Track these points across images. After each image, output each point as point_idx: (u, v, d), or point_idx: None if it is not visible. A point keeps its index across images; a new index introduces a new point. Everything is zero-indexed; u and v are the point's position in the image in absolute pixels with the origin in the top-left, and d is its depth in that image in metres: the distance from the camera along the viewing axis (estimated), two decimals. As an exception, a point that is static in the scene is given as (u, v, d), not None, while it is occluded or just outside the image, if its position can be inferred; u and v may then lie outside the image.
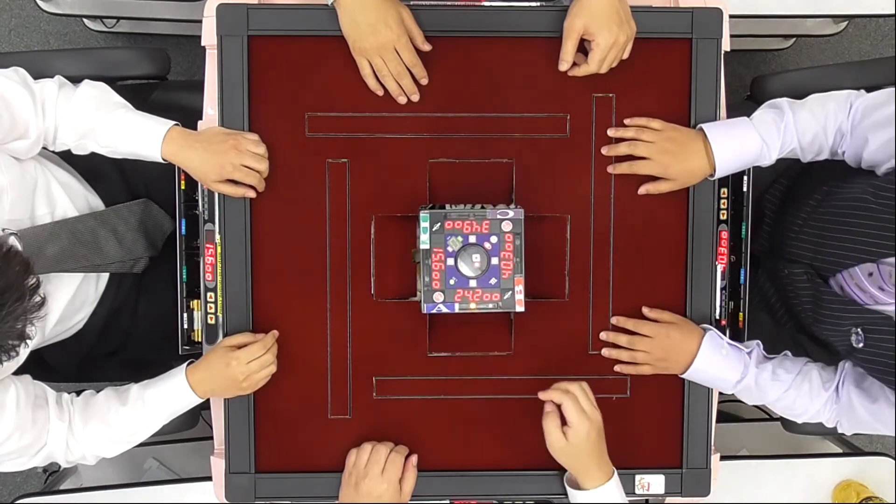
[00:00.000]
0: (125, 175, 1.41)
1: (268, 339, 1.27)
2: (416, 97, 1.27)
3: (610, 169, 1.29)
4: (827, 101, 1.24)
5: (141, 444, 1.33)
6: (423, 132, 1.30)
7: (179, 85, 1.74)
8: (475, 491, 1.34)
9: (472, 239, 1.27)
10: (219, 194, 1.28)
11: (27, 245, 1.15)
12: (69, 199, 1.27)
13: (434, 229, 1.26)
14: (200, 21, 1.30)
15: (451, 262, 1.27)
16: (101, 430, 1.25)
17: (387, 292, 1.32)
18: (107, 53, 1.68)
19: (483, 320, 1.32)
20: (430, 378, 1.33)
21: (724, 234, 1.34)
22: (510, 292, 1.28)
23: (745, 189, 1.33)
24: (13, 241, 1.02)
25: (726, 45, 1.32)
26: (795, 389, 1.27)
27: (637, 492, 1.35)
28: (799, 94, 1.59)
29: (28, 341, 1.02)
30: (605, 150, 1.30)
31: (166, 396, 1.26)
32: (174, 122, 1.23)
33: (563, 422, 1.20)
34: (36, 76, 1.23)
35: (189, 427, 1.53)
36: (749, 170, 1.32)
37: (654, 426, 1.35)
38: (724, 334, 1.36)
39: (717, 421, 1.36)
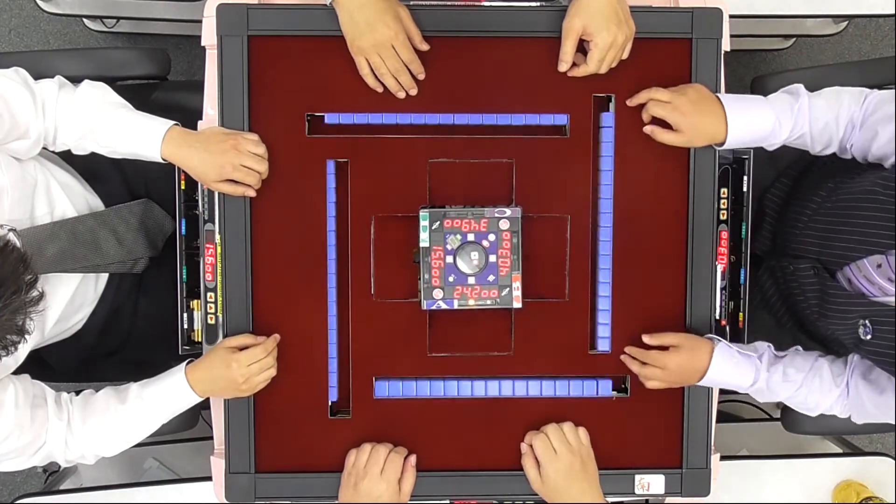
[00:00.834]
0: (125, 175, 1.41)
1: (269, 342, 1.27)
2: (413, 91, 1.27)
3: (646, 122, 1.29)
4: (841, 94, 1.24)
5: (141, 444, 1.33)
6: (423, 132, 1.30)
7: (179, 85, 1.74)
8: (475, 491, 1.34)
9: (471, 237, 1.28)
10: (219, 194, 1.28)
11: (27, 245, 1.15)
12: (69, 199, 1.27)
13: (433, 228, 1.28)
14: (200, 21, 1.30)
15: (449, 259, 1.28)
16: (100, 428, 1.25)
17: (387, 292, 1.32)
18: (107, 53, 1.68)
19: (483, 320, 1.32)
20: (430, 378, 1.33)
21: (724, 234, 1.34)
22: (508, 289, 1.29)
23: (745, 189, 1.33)
24: (11, 236, 1.02)
25: (726, 45, 1.32)
26: (807, 387, 1.27)
27: (637, 492, 1.35)
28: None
29: (27, 337, 1.02)
30: (629, 101, 1.29)
31: (165, 395, 1.26)
32: (174, 122, 1.23)
33: None
34: (36, 76, 1.23)
35: (189, 427, 1.53)
36: (749, 169, 1.33)
37: (654, 426, 1.35)
38: (725, 334, 1.37)
39: (717, 421, 1.36)
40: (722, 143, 1.25)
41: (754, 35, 2.20)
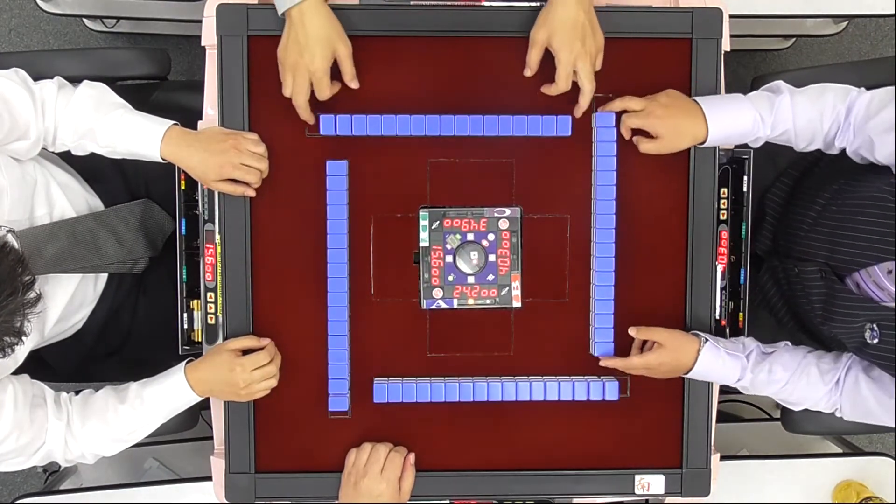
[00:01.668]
0: (125, 175, 1.41)
1: (271, 347, 1.27)
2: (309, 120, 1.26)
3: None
4: (826, 91, 1.24)
5: (141, 444, 1.33)
6: (423, 132, 1.30)
7: (179, 85, 1.74)
8: (475, 491, 1.34)
9: (470, 237, 1.29)
10: (219, 194, 1.28)
11: (26, 246, 1.15)
12: (68, 200, 1.27)
13: (433, 227, 1.29)
14: (200, 21, 1.30)
15: (449, 259, 1.29)
16: (99, 428, 1.25)
17: (387, 292, 1.32)
18: (107, 53, 1.68)
19: (483, 321, 1.32)
20: (430, 378, 1.33)
21: (724, 234, 1.34)
22: (507, 288, 1.30)
23: (745, 189, 1.33)
24: (9, 237, 1.02)
25: (726, 45, 1.32)
26: (792, 384, 1.27)
27: (637, 492, 1.34)
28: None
29: (24, 338, 1.02)
30: (602, 108, 1.29)
31: (165, 394, 1.26)
32: (173, 122, 1.23)
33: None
34: (36, 76, 1.23)
35: (189, 427, 1.53)
36: (749, 169, 1.33)
37: (654, 426, 1.35)
38: (724, 334, 1.37)
39: (717, 421, 1.36)
40: (704, 142, 1.25)
41: (754, 35, 2.20)
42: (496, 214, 1.30)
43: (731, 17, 1.34)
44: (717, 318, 1.35)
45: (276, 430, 1.32)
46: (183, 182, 1.31)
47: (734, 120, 1.23)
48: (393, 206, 1.31)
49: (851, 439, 1.79)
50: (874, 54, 2.40)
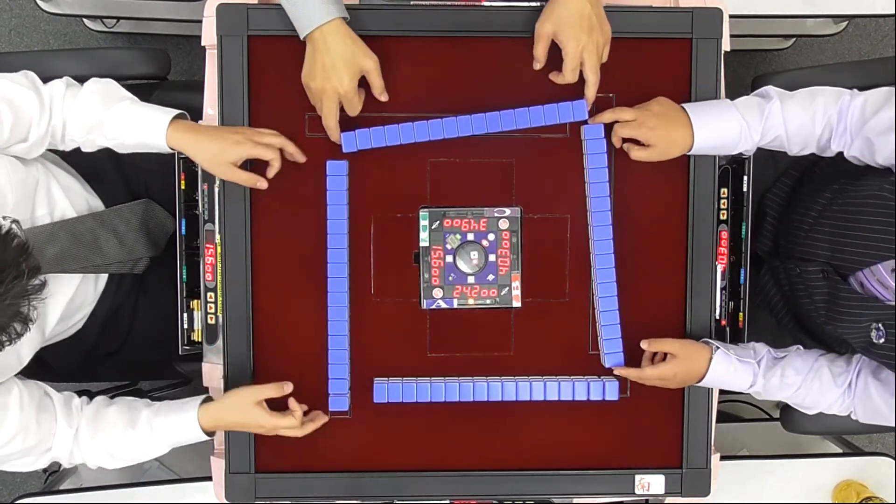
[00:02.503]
0: (125, 175, 1.41)
1: (299, 413, 1.25)
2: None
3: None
4: (817, 95, 1.24)
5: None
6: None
7: (179, 85, 1.74)
8: (475, 491, 1.34)
9: (471, 237, 1.29)
10: (219, 194, 1.28)
11: None
12: (69, 200, 1.27)
13: (433, 227, 1.29)
14: (200, 21, 1.30)
15: (449, 259, 1.29)
16: (106, 445, 1.25)
17: (387, 292, 1.32)
18: (107, 53, 1.68)
19: (483, 321, 1.32)
20: (430, 378, 1.33)
21: (724, 234, 1.34)
22: (507, 288, 1.30)
23: (745, 189, 1.33)
24: (13, 226, 1.02)
25: (726, 45, 1.32)
26: (805, 388, 1.27)
27: (637, 492, 1.35)
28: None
29: (30, 325, 1.02)
30: (592, 120, 1.28)
31: (174, 429, 1.25)
32: (179, 111, 1.23)
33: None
34: (37, 76, 1.23)
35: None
36: (749, 170, 1.33)
37: (654, 426, 1.35)
38: (724, 334, 1.37)
39: (717, 421, 1.36)
40: (689, 149, 1.25)
41: (754, 35, 2.20)
42: (496, 214, 1.30)
43: (731, 17, 1.34)
44: (717, 318, 1.35)
45: (276, 430, 1.32)
46: (183, 182, 1.31)
47: (720, 128, 1.23)
48: (393, 206, 1.31)
49: (851, 439, 1.79)
50: (874, 54, 2.40)
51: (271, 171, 1.23)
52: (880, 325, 1.18)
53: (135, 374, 1.79)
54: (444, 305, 1.30)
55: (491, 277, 1.30)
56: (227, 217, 1.29)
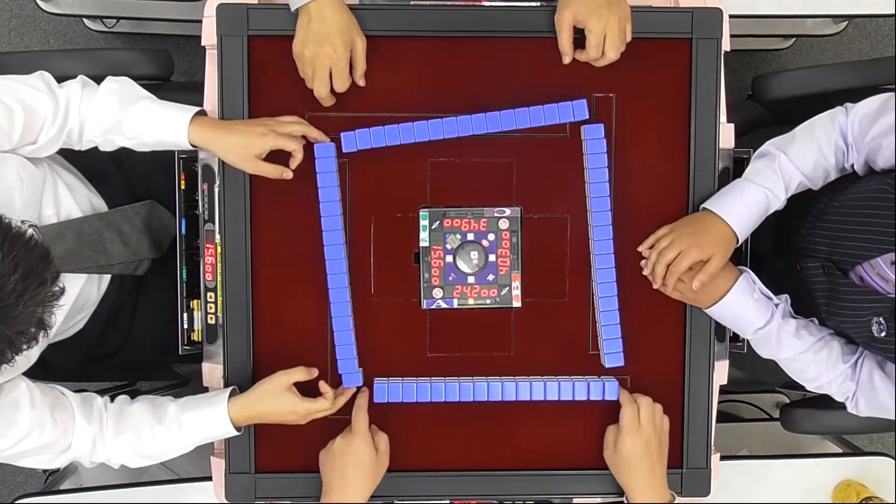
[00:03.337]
0: (127, 176, 1.41)
1: (330, 395, 1.25)
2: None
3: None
4: (813, 128, 1.25)
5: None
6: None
7: (180, 86, 1.74)
8: (475, 491, 1.34)
9: (471, 237, 1.29)
10: (219, 193, 1.28)
11: None
12: (74, 200, 1.27)
13: (433, 227, 1.29)
14: (200, 21, 1.30)
15: (449, 259, 1.29)
16: (132, 443, 1.23)
17: (387, 292, 1.32)
18: (109, 54, 1.68)
19: (483, 321, 1.32)
20: (430, 378, 1.33)
21: (724, 234, 1.34)
22: (507, 288, 1.30)
23: (745, 189, 1.33)
24: (32, 231, 1.02)
25: (726, 45, 1.32)
26: (813, 354, 1.27)
27: (637, 492, 1.34)
28: (799, 94, 1.59)
29: (49, 330, 1.02)
30: (647, 272, 1.29)
31: (203, 424, 1.24)
32: (199, 108, 1.23)
33: None
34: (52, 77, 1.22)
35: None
36: (749, 170, 1.33)
37: (654, 426, 1.34)
38: (725, 333, 1.37)
39: (717, 421, 1.36)
40: (737, 239, 1.24)
41: (754, 35, 2.20)
42: (496, 214, 1.30)
43: (731, 17, 1.34)
44: (717, 318, 1.35)
45: (277, 430, 1.32)
46: (183, 182, 1.31)
47: (746, 204, 1.24)
48: (393, 206, 1.31)
49: (851, 439, 1.79)
50: (874, 54, 2.40)
51: (294, 163, 1.23)
52: (881, 319, 1.18)
53: (134, 374, 1.79)
54: (444, 305, 1.31)
55: (491, 277, 1.30)
56: (227, 217, 1.29)
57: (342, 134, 1.26)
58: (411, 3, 1.29)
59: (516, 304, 1.31)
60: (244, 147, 1.19)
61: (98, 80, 1.28)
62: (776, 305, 1.27)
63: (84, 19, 2.20)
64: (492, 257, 1.30)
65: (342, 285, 1.28)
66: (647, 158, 1.31)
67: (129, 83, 1.25)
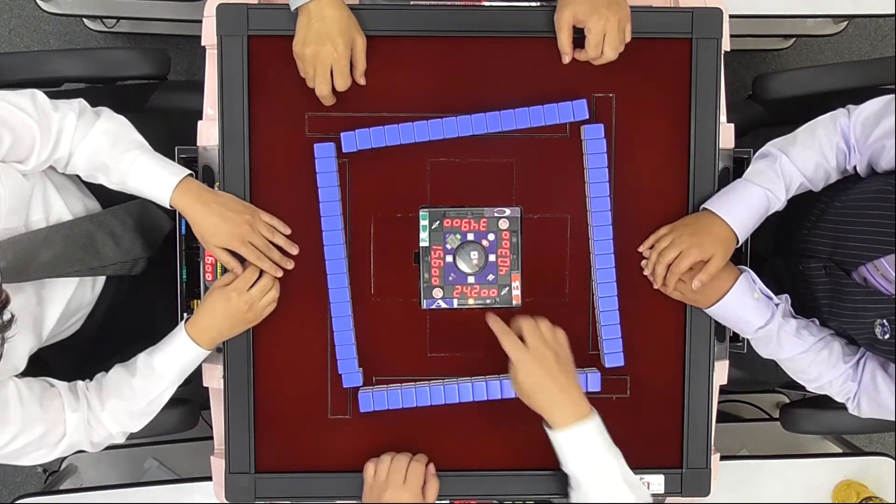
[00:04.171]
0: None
1: (254, 267, 1.25)
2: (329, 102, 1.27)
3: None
4: (815, 129, 1.25)
5: (141, 444, 1.33)
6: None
7: (179, 85, 1.74)
8: (475, 491, 1.34)
9: (470, 237, 1.29)
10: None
11: (21, 252, 1.14)
12: (65, 203, 1.26)
13: (433, 227, 1.29)
14: (200, 21, 1.30)
15: (449, 259, 1.29)
16: (120, 406, 1.25)
17: (387, 292, 1.32)
18: (107, 53, 1.67)
19: (483, 320, 1.32)
20: (430, 378, 1.33)
21: (724, 234, 1.34)
22: (507, 288, 1.30)
23: (745, 189, 1.33)
24: None
25: (726, 45, 1.32)
26: (814, 353, 1.27)
27: (637, 492, 1.35)
28: (799, 94, 1.60)
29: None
30: (647, 272, 1.30)
31: (173, 357, 1.25)
32: (188, 172, 1.23)
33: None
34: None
35: (189, 427, 1.53)
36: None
37: (654, 426, 1.35)
38: (724, 332, 1.37)
39: (717, 421, 1.36)
40: (737, 240, 1.25)
41: (754, 35, 2.20)
42: (496, 214, 1.30)
43: (731, 17, 1.34)
44: (717, 318, 1.35)
45: (277, 430, 1.32)
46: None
47: (747, 205, 1.24)
48: (393, 206, 1.31)
49: (851, 439, 1.79)
50: (874, 54, 2.41)
51: (238, 269, 1.24)
52: (885, 321, 1.18)
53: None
54: (444, 305, 1.31)
55: (491, 277, 1.30)
56: (227, 217, 1.28)
57: (342, 134, 1.26)
58: (411, 3, 1.29)
59: (516, 303, 1.31)
60: (210, 236, 1.22)
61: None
62: (776, 305, 1.27)
63: (84, 19, 2.21)
64: (492, 257, 1.30)
65: (342, 285, 1.28)
66: (647, 158, 1.31)
67: (125, 125, 1.25)
